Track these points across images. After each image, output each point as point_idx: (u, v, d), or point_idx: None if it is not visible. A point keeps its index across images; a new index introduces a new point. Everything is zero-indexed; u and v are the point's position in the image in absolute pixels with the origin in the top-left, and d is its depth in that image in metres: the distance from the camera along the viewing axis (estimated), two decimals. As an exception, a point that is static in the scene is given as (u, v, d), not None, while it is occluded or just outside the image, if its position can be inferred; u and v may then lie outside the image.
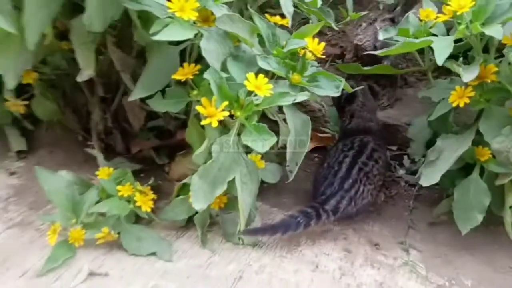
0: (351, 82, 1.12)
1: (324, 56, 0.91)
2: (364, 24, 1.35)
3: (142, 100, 1.14)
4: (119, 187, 0.93)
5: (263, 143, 0.75)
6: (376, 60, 1.32)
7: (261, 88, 0.76)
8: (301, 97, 0.79)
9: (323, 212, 0.96)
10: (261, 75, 0.77)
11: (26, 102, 1.06)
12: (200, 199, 0.79)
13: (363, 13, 1.31)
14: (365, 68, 1.19)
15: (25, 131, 1.29)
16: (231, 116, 0.82)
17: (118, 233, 0.91)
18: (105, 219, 0.91)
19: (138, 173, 1.19)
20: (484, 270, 0.92)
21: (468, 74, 0.81)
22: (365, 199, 1.03)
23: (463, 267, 0.92)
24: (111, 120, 1.18)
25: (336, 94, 0.87)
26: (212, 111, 0.75)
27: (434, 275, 0.89)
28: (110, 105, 1.18)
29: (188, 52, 0.92)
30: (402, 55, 1.38)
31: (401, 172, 1.25)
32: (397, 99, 1.41)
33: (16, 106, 1.05)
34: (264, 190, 1.15)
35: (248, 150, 0.94)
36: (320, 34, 1.49)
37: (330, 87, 0.87)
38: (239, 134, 0.81)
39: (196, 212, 0.95)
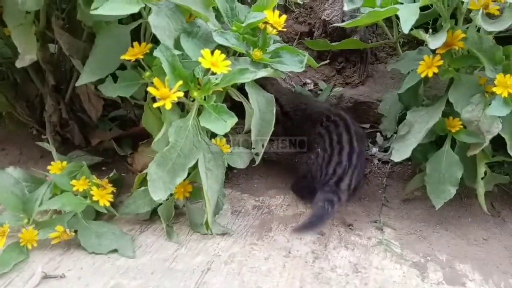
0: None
1: (286, 30, 0.85)
2: (331, -2, 1.29)
3: (96, 88, 1.08)
4: (73, 182, 0.86)
5: (223, 124, 0.69)
6: (346, 36, 1.28)
7: (218, 65, 0.70)
8: (262, 73, 0.73)
9: (341, 193, 0.93)
10: (217, 51, 0.71)
11: (-33, 94, 0.96)
12: (159, 189, 0.74)
13: (329, -14, 1.26)
14: (333, 43, 1.14)
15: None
16: (189, 97, 0.76)
17: (75, 231, 0.84)
18: (60, 217, 0.84)
19: (100, 166, 1.12)
20: (458, 244, 0.91)
21: (435, 41, 0.77)
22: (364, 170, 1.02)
23: (438, 243, 0.90)
24: (66, 111, 1.10)
25: (300, 69, 0.81)
26: (165, 93, 0.69)
27: (409, 252, 0.87)
28: (64, 95, 1.10)
29: (142, 33, 0.85)
30: (371, 29, 1.34)
31: (374, 150, 1.23)
32: (368, 76, 1.37)
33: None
34: (234, 177, 1.10)
35: (212, 135, 0.90)
36: (287, 11, 1.43)
37: (294, 63, 0.82)
38: (198, 117, 0.76)
39: (160, 204, 0.90)
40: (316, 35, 1.37)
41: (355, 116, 1.32)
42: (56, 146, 1.13)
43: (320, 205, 0.90)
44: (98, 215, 0.92)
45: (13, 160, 1.15)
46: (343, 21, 1.27)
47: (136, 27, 0.83)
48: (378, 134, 1.27)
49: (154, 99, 0.82)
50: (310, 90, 1.37)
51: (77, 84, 0.80)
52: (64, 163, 0.90)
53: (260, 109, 0.82)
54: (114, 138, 1.17)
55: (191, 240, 0.88)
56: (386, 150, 1.22)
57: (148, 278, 0.77)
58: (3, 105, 1.06)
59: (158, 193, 0.73)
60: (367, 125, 1.31)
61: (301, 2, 1.04)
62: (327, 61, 0.98)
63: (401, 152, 0.88)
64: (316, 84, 1.39)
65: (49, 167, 0.89)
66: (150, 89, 0.69)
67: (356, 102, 1.33)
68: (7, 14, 0.75)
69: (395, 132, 1.06)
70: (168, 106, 0.69)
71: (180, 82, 0.69)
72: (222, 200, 0.90)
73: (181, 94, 0.69)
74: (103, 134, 1.17)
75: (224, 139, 0.91)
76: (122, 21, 0.84)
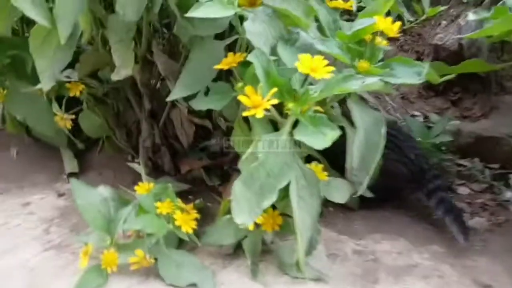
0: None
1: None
2: (444, 22, 1.15)
3: (190, 112, 1.06)
4: (157, 204, 0.80)
5: (322, 138, 0.58)
6: (464, 61, 1.11)
7: (318, 71, 0.60)
8: (372, 80, 0.61)
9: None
10: (318, 56, 0.62)
11: (73, 117, 1.01)
12: (243, 211, 0.63)
13: (442, 8, 1.12)
14: (452, 67, 0.97)
15: (78, 152, 1.27)
16: (281, 113, 0.67)
17: (155, 259, 0.77)
18: (141, 241, 0.78)
19: (187, 195, 1.07)
20: None
21: None
22: None
23: None
24: (159, 136, 1.10)
25: (418, 81, 0.68)
26: (257, 100, 0.61)
27: None
28: (159, 121, 1.11)
29: (238, 49, 0.81)
30: (494, 54, 1.14)
31: (509, 194, 0.98)
32: (492, 108, 1.15)
33: (64, 121, 1.00)
34: (329, 215, 0.96)
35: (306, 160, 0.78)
36: (390, 40, 1.31)
37: (409, 74, 0.69)
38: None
39: (246, 236, 0.79)
40: (426, 63, 1.21)
41: (479, 155, 1.11)
42: (147, 171, 1.12)
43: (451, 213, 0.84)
44: (179, 245, 0.84)
45: (107, 183, 1.16)
46: (460, 45, 1.11)
47: (232, 43, 0.79)
48: (512, 176, 1.03)
49: (245, 117, 0.76)
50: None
51: (168, 99, 0.77)
52: (152, 184, 0.87)
53: (366, 129, 0.69)
54: (203, 167, 1.13)
55: (279, 283, 0.74)
56: (525, 195, 0.97)
57: (228, 320, 0.65)
58: (105, 129, 1.10)
59: (242, 217, 0.63)
60: (496, 165, 1.08)
61: (411, 19, 0.92)
62: (452, 75, 0.81)
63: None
64: (426, 117, 1.21)
65: (136, 187, 0.86)
66: (241, 97, 0.62)
67: (478, 137, 1.11)
68: (109, 31, 0.77)
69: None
70: (260, 114, 0.60)
71: (275, 89, 0.61)
72: (316, 237, 0.76)
73: (275, 101, 0.60)
74: (193, 163, 1.14)
75: (320, 166, 0.79)
76: (217, 36, 0.81)
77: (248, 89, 0.63)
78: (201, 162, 1.15)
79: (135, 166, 0.93)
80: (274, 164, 0.64)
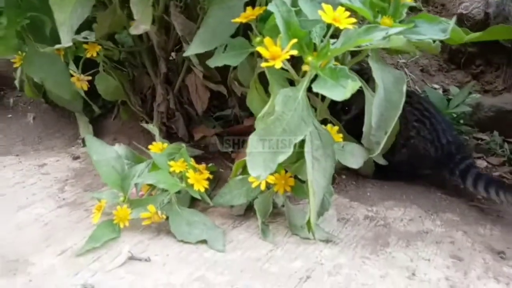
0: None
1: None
2: (469, -9, 1.11)
3: (206, 77, 1.06)
4: (171, 163, 0.81)
5: (342, 90, 0.57)
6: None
7: (340, 21, 0.59)
8: (395, 31, 0.59)
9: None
10: (341, 7, 0.60)
11: (89, 78, 1.02)
12: (258, 165, 0.63)
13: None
14: (476, 34, 0.94)
15: (93, 119, 1.28)
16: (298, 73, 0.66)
17: (167, 217, 0.78)
18: (153, 197, 0.79)
19: (199, 161, 1.07)
20: None
21: None
22: None
23: None
24: (174, 102, 1.09)
25: (443, 37, 0.65)
26: (276, 52, 0.60)
27: None
28: (174, 86, 1.10)
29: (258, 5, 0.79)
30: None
31: (528, 167, 0.96)
32: (516, 81, 1.12)
33: (80, 82, 1.01)
34: (342, 182, 0.95)
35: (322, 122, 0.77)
36: (413, 10, 1.27)
37: (434, 31, 0.66)
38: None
39: (257, 197, 0.79)
40: (449, 34, 1.17)
41: (498, 129, 1.08)
42: (162, 137, 1.12)
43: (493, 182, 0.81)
44: (192, 204, 0.85)
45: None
46: (486, 14, 1.06)
47: (252, 1, 0.77)
48: (532, 149, 1.00)
49: (261, 75, 0.74)
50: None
51: (184, 55, 0.77)
52: (165, 144, 0.87)
53: (386, 87, 0.67)
54: (217, 134, 1.13)
55: (288, 243, 0.74)
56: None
57: (237, 275, 0.66)
58: (120, 93, 1.10)
59: (257, 170, 0.63)
60: (516, 140, 1.05)
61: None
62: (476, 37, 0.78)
63: None
64: (445, 91, 1.18)
65: (150, 146, 0.86)
66: (259, 48, 0.61)
67: (499, 111, 1.08)
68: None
69: None
70: (278, 65, 0.59)
71: (295, 40, 0.59)
72: (329, 199, 0.75)
73: (294, 52, 0.59)
74: (206, 130, 1.14)
75: (336, 127, 0.78)
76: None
77: (267, 40, 0.62)
78: (215, 129, 1.15)
79: (149, 127, 0.93)
80: (291, 120, 0.63)
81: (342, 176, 0.95)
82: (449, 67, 1.18)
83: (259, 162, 0.63)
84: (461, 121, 1.11)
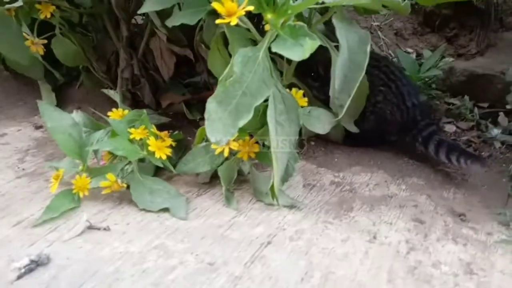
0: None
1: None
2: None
3: (170, 41, 1.01)
4: (131, 129, 0.77)
5: (300, 49, 0.54)
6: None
7: (298, -25, 0.55)
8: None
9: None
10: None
11: (44, 41, 0.95)
12: (217, 130, 0.60)
13: None
14: (448, -6, 0.91)
15: (57, 87, 1.23)
16: (260, 27, 0.62)
17: (128, 185, 0.75)
18: (112, 165, 0.76)
19: (167, 129, 1.03)
20: None
21: None
22: None
23: None
24: (139, 67, 1.05)
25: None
26: (231, 7, 0.56)
27: (555, 258, 0.61)
28: (138, 50, 1.05)
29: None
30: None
31: (495, 132, 0.96)
32: (489, 45, 1.10)
33: (35, 46, 0.95)
34: (310, 148, 0.94)
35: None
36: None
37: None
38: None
39: (222, 163, 0.77)
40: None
41: (470, 94, 1.07)
42: (127, 104, 1.08)
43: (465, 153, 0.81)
44: (157, 173, 0.83)
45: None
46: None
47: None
48: (501, 114, 0.99)
49: (224, 36, 0.70)
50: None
51: (139, 12, 0.72)
52: (126, 111, 0.83)
53: (350, 48, 0.64)
54: (185, 102, 1.09)
55: (252, 209, 0.73)
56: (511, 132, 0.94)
57: (197, 242, 0.65)
58: (80, 58, 1.04)
59: (216, 135, 0.60)
60: (486, 104, 1.04)
61: None
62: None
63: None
64: (419, 55, 1.16)
65: (109, 113, 0.83)
66: (214, 4, 0.57)
67: (471, 75, 1.07)
68: None
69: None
70: (234, 22, 0.55)
71: (251, -5, 0.55)
72: (293, 164, 0.74)
73: (251, 8, 0.55)
74: (174, 97, 1.10)
75: (301, 91, 0.75)
76: None
77: (223, -5, 0.58)
78: (183, 96, 1.11)
79: (110, 92, 0.89)
80: (251, 82, 0.60)
81: (311, 142, 0.94)
82: (423, 30, 1.16)
83: (219, 127, 0.61)
84: (433, 86, 1.10)
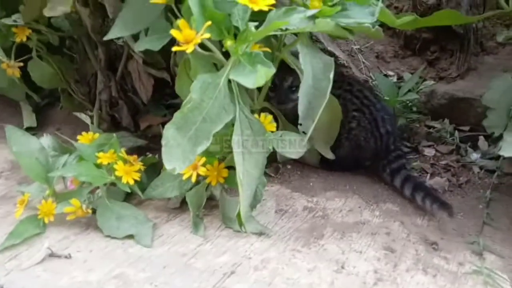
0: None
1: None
2: (424, -24, 1.07)
3: (147, 63, 1.01)
4: (99, 154, 0.76)
5: (255, 75, 0.53)
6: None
7: (257, 2, 0.55)
8: (312, 13, 0.56)
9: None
10: (258, -13, 0.56)
11: (20, 64, 0.95)
12: (176, 157, 0.59)
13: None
14: (426, 18, 0.91)
15: (39, 108, 1.22)
16: (225, 54, 0.62)
17: (94, 210, 0.74)
18: (78, 190, 0.75)
19: (145, 151, 1.03)
20: None
21: None
22: None
23: None
24: (117, 90, 1.04)
25: (371, 20, 0.62)
26: (189, 35, 0.55)
27: (525, 291, 0.59)
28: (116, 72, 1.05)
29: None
30: (480, 3, 1.05)
31: (475, 156, 0.94)
32: (469, 69, 1.10)
33: (11, 68, 0.95)
34: (286, 172, 0.92)
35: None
36: (369, -5, 1.24)
37: (363, 14, 0.63)
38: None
39: (191, 188, 0.76)
40: (404, 19, 1.14)
41: (451, 117, 1.06)
42: (104, 127, 1.08)
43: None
44: (128, 198, 0.81)
45: (64, 140, 1.12)
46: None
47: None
48: (481, 138, 0.98)
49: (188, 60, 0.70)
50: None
51: (105, 38, 0.71)
52: (96, 135, 0.82)
53: (314, 74, 0.64)
54: (163, 124, 1.08)
55: (220, 236, 0.71)
56: (492, 158, 0.93)
57: (158, 272, 0.63)
58: (57, 80, 1.04)
59: (174, 163, 0.59)
60: (466, 128, 1.03)
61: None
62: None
63: (515, 145, 0.62)
64: (400, 78, 1.15)
65: (78, 137, 0.82)
66: (173, 31, 0.57)
67: (452, 98, 1.06)
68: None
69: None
70: (191, 49, 0.55)
71: (209, 23, 0.55)
72: (262, 190, 0.73)
73: (207, 35, 0.55)
74: (152, 119, 1.09)
75: (270, 116, 0.74)
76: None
77: (181, 22, 0.58)
78: (161, 118, 1.10)
79: (82, 116, 0.88)
80: (211, 108, 0.59)
81: (288, 166, 0.92)
82: (404, 54, 1.16)
83: (177, 153, 0.59)
84: (414, 108, 1.09)
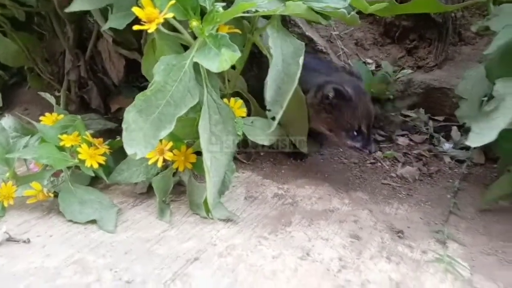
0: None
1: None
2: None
3: (117, 43, 0.97)
4: (62, 136, 0.73)
5: (219, 58, 0.51)
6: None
7: (222, -18, 0.52)
8: (291, 5, 0.53)
9: None
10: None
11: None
12: (137, 143, 0.57)
13: None
14: (403, 4, 0.89)
15: (8, 87, 1.18)
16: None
17: (56, 193, 0.71)
18: (40, 173, 0.72)
19: (115, 134, 1.00)
20: None
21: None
22: None
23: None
24: (86, 70, 1.01)
25: (343, 5, 0.60)
26: (152, 13, 0.53)
27: (483, 279, 0.59)
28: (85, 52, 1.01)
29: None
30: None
31: (447, 146, 0.95)
32: (447, 58, 1.09)
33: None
34: (258, 159, 0.91)
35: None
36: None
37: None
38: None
39: (158, 173, 0.74)
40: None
41: (427, 107, 1.06)
42: (73, 108, 1.04)
43: None
44: (92, 182, 0.79)
45: (31, 119, 1.08)
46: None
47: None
48: (454, 128, 0.99)
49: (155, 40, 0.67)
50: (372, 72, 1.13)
51: (66, 10, 0.68)
52: (60, 116, 0.79)
53: (284, 59, 0.62)
54: (136, 106, 1.05)
55: (186, 222, 0.70)
56: (463, 148, 0.93)
57: (119, 258, 0.61)
58: (22, 58, 0.99)
59: (135, 148, 0.57)
60: (441, 118, 1.03)
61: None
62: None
63: (482, 135, 0.62)
64: (378, 66, 1.14)
65: (41, 118, 0.78)
66: (134, 9, 0.54)
67: (428, 88, 1.06)
68: None
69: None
70: (153, 28, 0.52)
71: (173, 1, 0.52)
72: (230, 176, 0.71)
73: (171, 15, 0.52)
74: (123, 101, 1.06)
75: (240, 101, 0.72)
76: None
77: (144, 0, 0.55)
78: (132, 100, 1.07)
79: (47, 96, 0.84)
80: (176, 91, 0.57)
81: (261, 153, 0.91)
82: (384, 41, 1.15)
83: (139, 137, 0.57)
84: (391, 97, 1.08)
